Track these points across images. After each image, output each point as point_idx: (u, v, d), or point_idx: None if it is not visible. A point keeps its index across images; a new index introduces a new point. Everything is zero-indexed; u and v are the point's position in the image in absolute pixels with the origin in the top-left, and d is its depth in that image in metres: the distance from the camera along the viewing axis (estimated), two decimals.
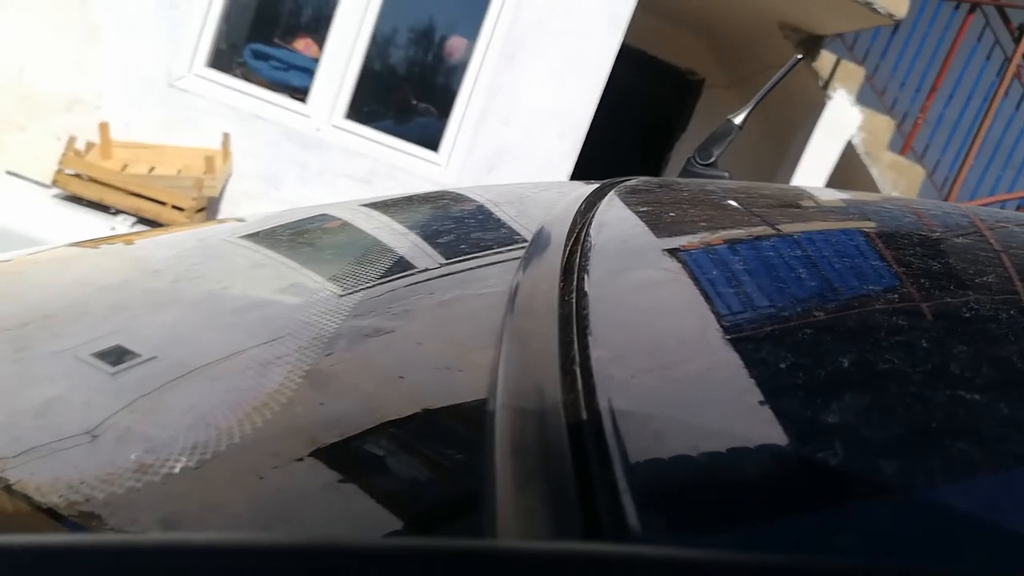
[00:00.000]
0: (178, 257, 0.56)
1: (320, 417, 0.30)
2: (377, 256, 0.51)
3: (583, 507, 0.21)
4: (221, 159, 2.94)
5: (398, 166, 3.17)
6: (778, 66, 0.94)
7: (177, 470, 0.27)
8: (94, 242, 0.64)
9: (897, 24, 3.78)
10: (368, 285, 0.43)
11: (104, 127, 2.83)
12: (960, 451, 0.24)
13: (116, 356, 0.37)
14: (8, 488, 0.27)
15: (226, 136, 2.98)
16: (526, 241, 0.46)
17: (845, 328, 0.32)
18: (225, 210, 3.08)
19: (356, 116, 3.18)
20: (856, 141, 4.13)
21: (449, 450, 0.27)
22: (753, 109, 0.91)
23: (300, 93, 3.13)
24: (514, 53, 3.12)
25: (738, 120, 0.90)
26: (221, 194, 3.03)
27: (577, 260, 0.40)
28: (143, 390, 0.34)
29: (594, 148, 3.62)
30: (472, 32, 3.18)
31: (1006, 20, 4.27)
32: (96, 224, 2.67)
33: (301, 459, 0.27)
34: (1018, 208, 4.35)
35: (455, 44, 3.26)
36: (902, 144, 4.35)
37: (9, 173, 2.87)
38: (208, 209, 2.95)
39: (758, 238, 0.48)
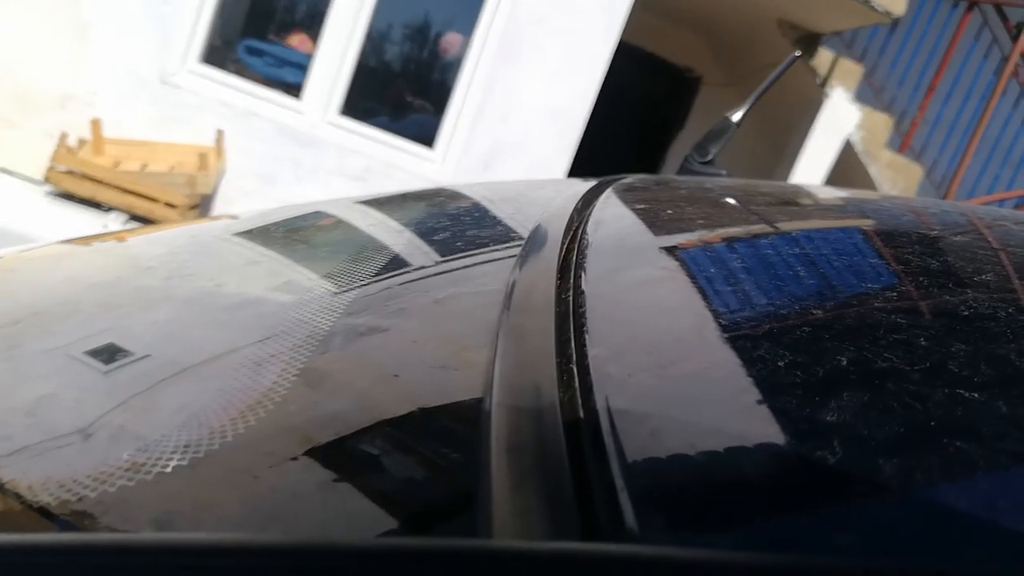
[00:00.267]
0: (171, 254, 0.56)
1: (314, 416, 0.30)
2: (372, 254, 0.51)
3: (580, 506, 0.21)
4: (214, 156, 2.92)
5: (394, 163, 3.16)
6: (776, 64, 0.94)
7: (170, 469, 0.27)
8: (86, 239, 0.64)
9: (895, 22, 3.79)
10: (363, 283, 0.43)
11: (96, 124, 2.81)
12: (957, 449, 0.24)
13: (108, 354, 0.37)
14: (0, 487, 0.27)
15: (220, 133, 2.97)
16: (522, 238, 0.46)
17: (842, 326, 0.32)
18: (219, 207, 3.07)
19: (351, 113, 3.17)
20: (854, 139, 4.13)
21: (445, 449, 0.27)
22: (751, 107, 0.91)
23: (295, 89, 3.12)
24: (511, 49, 3.12)
25: (736, 118, 0.90)
26: (214, 191, 3.02)
27: (574, 258, 0.40)
28: (135, 388, 0.34)
29: (591, 145, 3.62)
30: (468, 28, 3.17)
31: (1004, 18, 4.28)
32: (88, 221, 2.66)
33: (295, 458, 0.27)
34: (1016, 207, 4.37)
35: (451, 40, 3.25)
36: (900, 142, 4.36)
37: (1, 170, 2.85)
38: (201, 206, 2.94)
39: (755, 236, 0.47)
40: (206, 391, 0.33)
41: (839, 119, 4.09)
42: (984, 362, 0.29)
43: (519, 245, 0.45)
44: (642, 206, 0.57)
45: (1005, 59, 4.11)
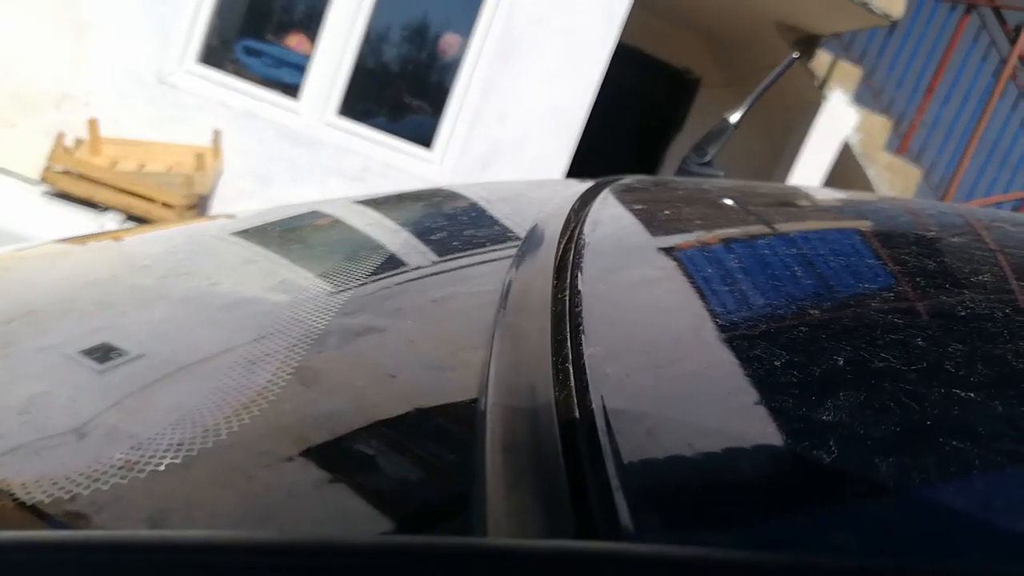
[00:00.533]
0: (167, 253, 0.56)
1: (309, 415, 0.30)
2: (368, 253, 0.51)
3: (575, 505, 0.21)
4: (212, 156, 2.92)
5: (391, 163, 3.16)
6: (775, 66, 0.94)
7: (164, 468, 0.26)
8: (81, 239, 0.63)
9: (894, 24, 3.80)
10: (359, 282, 0.43)
11: (93, 124, 2.81)
12: (952, 449, 0.24)
13: (103, 353, 0.37)
14: None
15: (217, 133, 2.97)
16: (520, 239, 0.46)
17: (837, 327, 0.32)
18: (216, 207, 3.07)
19: (349, 113, 3.17)
20: (852, 141, 4.14)
21: (440, 448, 0.27)
22: (749, 108, 0.91)
23: (292, 90, 3.12)
24: (509, 50, 3.12)
25: (734, 119, 0.90)
26: (212, 191, 3.01)
27: (571, 258, 0.40)
28: (130, 387, 0.34)
29: (590, 146, 3.62)
30: (466, 29, 3.17)
31: (1002, 21, 4.29)
32: (85, 221, 2.66)
33: (290, 458, 0.27)
34: (1014, 209, 4.38)
35: (449, 41, 3.25)
36: (898, 144, 4.37)
37: None
38: (199, 207, 2.93)
39: (752, 237, 0.48)
40: (201, 390, 0.33)
41: (837, 121, 4.10)
42: (980, 362, 0.29)
43: (516, 245, 0.45)
44: (639, 207, 0.57)
45: (1003, 61, 4.13)
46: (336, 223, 0.62)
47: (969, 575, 0.19)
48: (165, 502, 0.26)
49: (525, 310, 0.34)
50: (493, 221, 0.59)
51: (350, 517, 0.24)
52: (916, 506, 0.22)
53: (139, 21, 2.88)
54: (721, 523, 0.21)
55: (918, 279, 0.37)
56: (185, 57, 2.98)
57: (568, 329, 0.31)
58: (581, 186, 0.60)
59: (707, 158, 0.87)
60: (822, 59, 4.10)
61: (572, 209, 0.51)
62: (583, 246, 0.42)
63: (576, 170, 3.08)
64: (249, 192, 3.07)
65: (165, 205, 2.74)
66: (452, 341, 0.35)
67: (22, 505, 0.26)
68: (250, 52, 3.13)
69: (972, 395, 0.26)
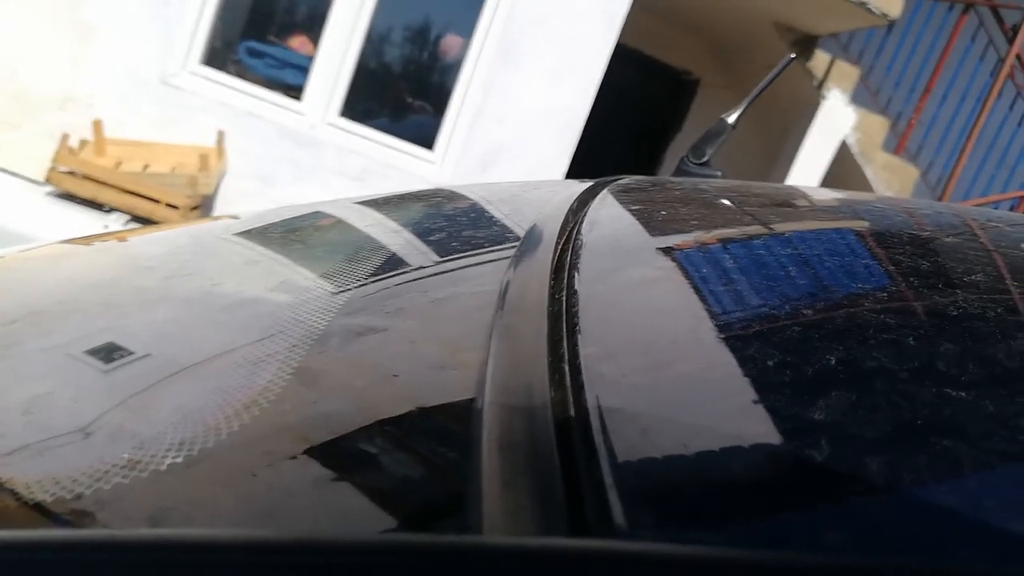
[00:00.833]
0: (170, 254, 0.56)
1: (310, 415, 0.30)
2: (369, 254, 0.51)
3: (570, 504, 0.22)
4: (215, 157, 2.92)
5: (392, 164, 3.16)
6: (773, 66, 0.94)
7: (166, 468, 0.27)
8: (85, 239, 0.64)
9: (891, 24, 3.79)
10: (360, 283, 0.43)
11: (98, 124, 2.81)
12: (946, 448, 0.24)
13: (106, 353, 0.37)
14: None
15: (220, 134, 2.97)
16: (518, 239, 0.46)
17: (834, 327, 0.33)
18: (219, 208, 3.07)
19: (351, 114, 3.17)
20: (850, 141, 4.14)
21: (438, 447, 0.27)
22: (747, 108, 0.91)
23: (295, 91, 3.12)
24: (509, 51, 3.12)
25: (732, 119, 0.90)
26: (215, 192, 3.02)
27: (568, 258, 0.40)
28: (133, 388, 0.34)
29: (589, 147, 3.62)
30: (467, 30, 3.18)
31: (1000, 21, 4.28)
32: (89, 222, 2.66)
33: (291, 457, 0.27)
34: (1012, 208, 4.37)
35: (450, 42, 3.25)
36: (896, 144, 4.36)
37: (2, 171, 2.85)
38: (202, 207, 2.94)
39: (750, 237, 0.48)
40: (204, 390, 0.33)
41: (835, 121, 4.09)
42: (974, 362, 0.29)
43: (514, 246, 0.45)
44: (637, 207, 0.57)
45: (1001, 61, 4.12)
46: (337, 224, 0.63)
47: (961, 574, 0.20)
48: (167, 501, 0.26)
49: (523, 310, 0.34)
50: (492, 222, 0.59)
51: (348, 515, 0.24)
52: (908, 505, 0.22)
53: (142, 23, 2.88)
54: (715, 521, 0.21)
55: (912, 279, 0.38)
56: (188, 59, 2.99)
57: (565, 329, 0.31)
58: (579, 187, 0.60)
59: (705, 158, 0.87)
60: (820, 59, 4.10)
61: (570, 210, 0.51)
62: (580, 247, 0.42)
63: (576, 170, 3.08)
64: (251, 192, 3.07)
65: (169, 206, 2.75)
66: (450, 341, 0.35)
67: (25, 504, 0.26)
68: (253, 53, 3.13)
69: (964, 394, 0.26)
